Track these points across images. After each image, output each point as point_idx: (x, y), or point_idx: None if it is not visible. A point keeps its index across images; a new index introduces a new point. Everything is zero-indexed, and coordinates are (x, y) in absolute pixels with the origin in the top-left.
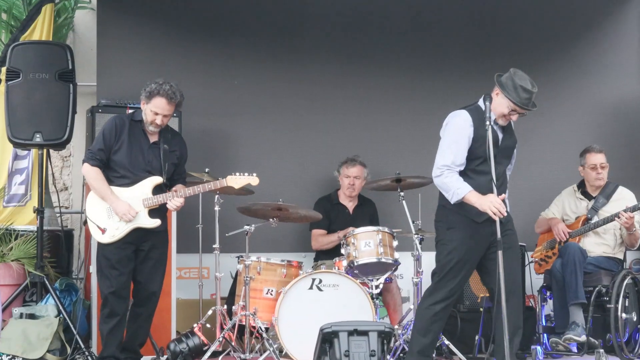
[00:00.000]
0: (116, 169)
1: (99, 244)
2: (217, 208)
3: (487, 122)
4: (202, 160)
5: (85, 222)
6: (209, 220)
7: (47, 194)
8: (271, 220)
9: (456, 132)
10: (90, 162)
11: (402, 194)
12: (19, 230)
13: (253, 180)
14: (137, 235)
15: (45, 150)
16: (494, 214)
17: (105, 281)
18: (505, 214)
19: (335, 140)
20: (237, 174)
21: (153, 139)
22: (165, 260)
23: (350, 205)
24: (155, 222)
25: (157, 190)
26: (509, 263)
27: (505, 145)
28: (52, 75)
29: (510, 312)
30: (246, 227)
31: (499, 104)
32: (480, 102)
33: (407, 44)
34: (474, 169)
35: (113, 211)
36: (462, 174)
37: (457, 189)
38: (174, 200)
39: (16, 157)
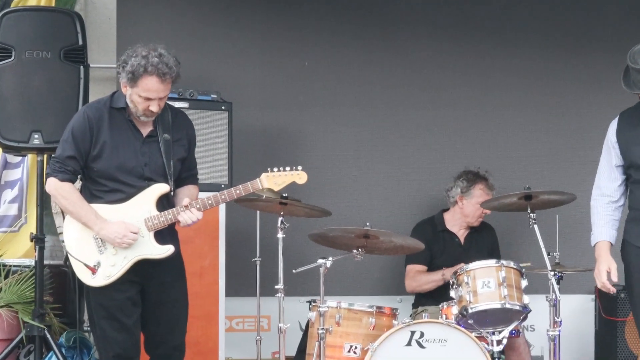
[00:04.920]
0: (102, 182)
1: (90, 289)
2: (280, 235)
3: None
4: (258, 169)
5: (66, 260)
6: (269, 251)
7: (48, 216)
8: (355, 251)
9: (604, 144)
10: (58, 175)
11: (533, 215)
12: (10, 265)
13: (298, 177)
14: (142, 269)
15: (45, 156)
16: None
17: (105, 340)
18: (611, 291)
19: (441, 143)
20: (275, 169)
21: (146, 129)
22: (186, 297)
23: (462, 232)
24: (167, 250)
25: (164, 202)
26: None
27: None
28: (55, 54)
29: None
30: (321, 261)
31: None
32: None
33: (543, 17)
34: (636, 179)
35: (104, 240)
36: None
37: (593, 231)
38: (188, 213)
39: (6, 166)
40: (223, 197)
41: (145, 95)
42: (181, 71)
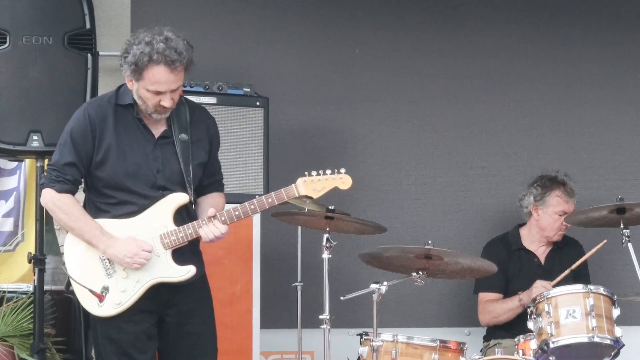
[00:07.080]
0: (108, 193)
1: (97, 320)
2: (326, 255)
3: None
4: (299, 176)
5: (68, 285)
6: (312, 275)
7: (49, 233)
8: (415, 274)
9: None
10: (55, 185)
11: (626, 232)
12: (5, 291)
13: (341, 181)
14: (158, 296)
15: (46, 161)
16: None
17: None
18: None
19: (517, 146)
20: (313, 173)
21: (159, 129)
22: (212, 329)
23: (542, 250)
24: (187, 272)
25: (183, 215)
26: None
27: None
28: (58, 40)
29: None
30: (374, 287)
31: None
32: None
33: None
34: None
35: (112, 260)
36: None
37: None
38: (210, 226)
39: (0, 173)
40: (252, 207)
41: (154, 89)
42: (207, 61)
